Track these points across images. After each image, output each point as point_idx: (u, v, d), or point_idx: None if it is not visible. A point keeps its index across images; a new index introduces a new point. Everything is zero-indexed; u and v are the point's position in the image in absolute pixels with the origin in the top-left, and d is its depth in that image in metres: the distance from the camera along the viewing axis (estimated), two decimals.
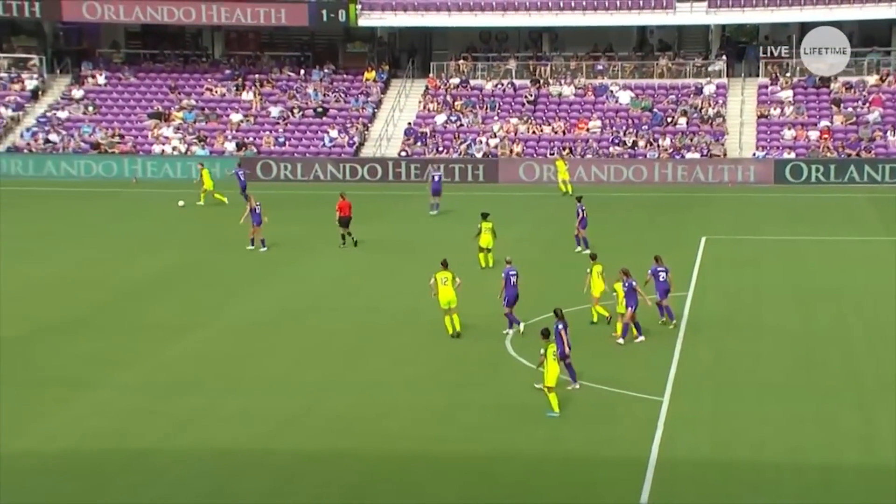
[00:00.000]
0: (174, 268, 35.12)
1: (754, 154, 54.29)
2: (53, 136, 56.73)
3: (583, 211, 36.52)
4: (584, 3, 58.33)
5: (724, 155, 54.32)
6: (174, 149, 56.30)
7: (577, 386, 23.04)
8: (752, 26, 60.59)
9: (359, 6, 58.24)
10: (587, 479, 18.88)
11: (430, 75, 60.27)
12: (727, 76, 58.84)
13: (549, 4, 58.51)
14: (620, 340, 26.29)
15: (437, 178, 44.69)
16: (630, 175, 53.05)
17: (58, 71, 61.30)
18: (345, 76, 61.00)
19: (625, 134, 55.82)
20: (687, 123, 56.27)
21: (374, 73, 60.47)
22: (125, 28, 63.03)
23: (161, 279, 33.67)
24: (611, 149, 55.20)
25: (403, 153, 55.67)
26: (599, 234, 37.58)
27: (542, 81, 59.51)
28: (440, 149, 55.78)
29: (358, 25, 58.91)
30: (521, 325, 26.85)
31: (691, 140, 55.13)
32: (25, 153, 55.95)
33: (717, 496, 18.28)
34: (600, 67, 59.82)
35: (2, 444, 20.17)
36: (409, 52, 62.90)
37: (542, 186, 51.94)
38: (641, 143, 55.27)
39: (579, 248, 36.08)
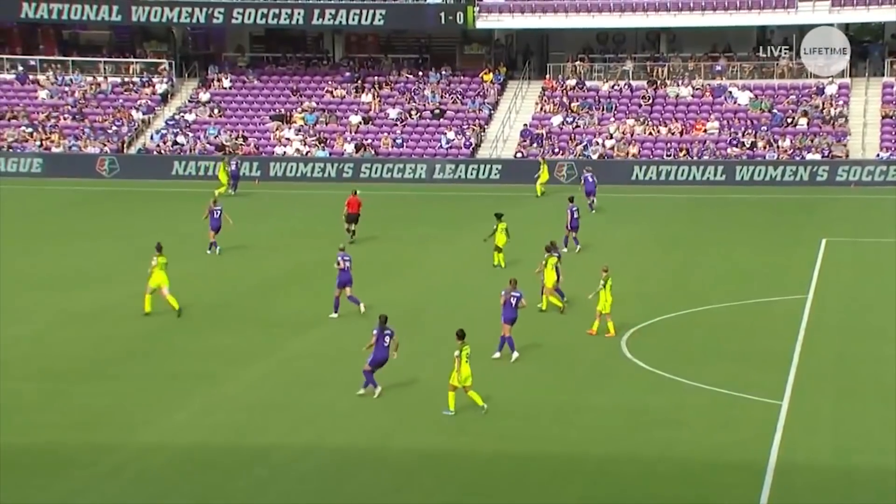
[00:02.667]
0: (304, 265, 35.61)
1: (878, 155, 53.09)
2: (181, 138, 58.44)
3: (574, 212, 36.31)
4: (702, 4, 57.75)
5: (847, 156, 53.25)
6: (296, 150, 57.52)
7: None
8: (876, 25, 59.12)
9: (476, 8, 58.65)
10: (704, 482, 18.72)
11: (547, 76, 60.31)
12: (850, 76, 57.59)
13: (668, 5, 58.08)
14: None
15: (590, 179, 44.49)
16: (748, 176, 52.33)
17: (185, 75, 63.00)
18: (462, 78, 61.39)
19: (743, 135, 55.13)
20: (808, 124, 55.30)
21: (490, 74, 60.75)
22: (250, 32, 64.57)
23: (290, 276, 34.30)
24: (729, 150, 54.58)
25: (519, 154, 55.91)
26: (715, 235, 37.24)
27: (659, 82, 59.09)
28: (556, 150, 55.83)
29: (475, 27, 59.25)
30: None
31: (812, 141, 54.16)
32: (155, 154, 57.84)
33: (839, 503, 18.02)
34: (718, 68, 59.15)
35: (132, 437, 20.88)
36: (526, 54, 63.00)
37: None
38: (760, 143, 54.52)
39: (565, 250, 34.57)
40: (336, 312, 28.85)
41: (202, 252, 37.72)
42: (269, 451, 20.04)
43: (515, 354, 24.97)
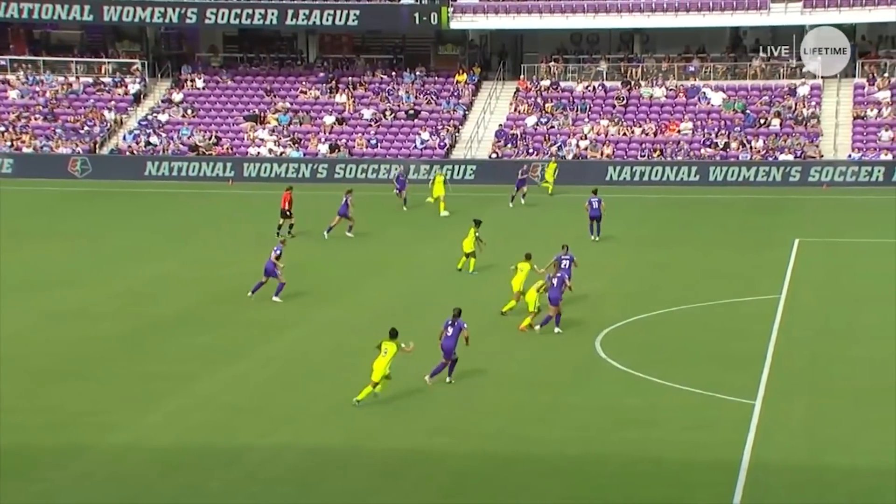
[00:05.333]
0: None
1: (850, 155, 53.41)
2: (154, 139, 58.06)
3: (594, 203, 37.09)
4: (676, 5, 57.95)
5: (819, 156, 53.56)
6: (270, 151, 57.27)
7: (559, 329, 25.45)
8: (848, 26, 59.43)
9: (450, 9, 58.61)
10: (679, 482, 18.77)
11: (521, 77, 60.32)
12: (822, 76, 57.89)
13: (641, 6, 58.25)
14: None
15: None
16: (721, 176, 52.52)
17: (158, 75, 62.56)
18: (436, 79, 61.31)
19: (717, 135, 55.36)
20: (780, 125, 55.58)
21: (465, 75, 60.70)
22: (223, 32, 64.20)
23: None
24: (702, 150, 54.78)
25: (494, 155, 55.91)
26: (688, 235, 37.33)
27: (633, 83, 59.25)
28: (530, 150, 55.89)
29: (449, 28, 59.18)
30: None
31: (785, 141, 54.45)
32: (127, 155, 57.46)
33: (812, 502, 18.04)
34: (692, 69, 59.36)
35: (106, 438, 20.74)
36: (500, 55, 62.99)
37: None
38: (734, 144, 54.76)
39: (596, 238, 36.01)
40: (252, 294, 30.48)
41: (178, 253, 37.60)
42: (245, 452, 19.99)
43: (557, 329, 26.86)
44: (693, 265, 34.94)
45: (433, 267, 35.56)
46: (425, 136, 57.33)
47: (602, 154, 55.27)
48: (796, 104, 56.46)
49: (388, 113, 58.96)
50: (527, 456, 19.81)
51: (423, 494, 18.39)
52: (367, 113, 59.07)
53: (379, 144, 57.38)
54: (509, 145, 56.20)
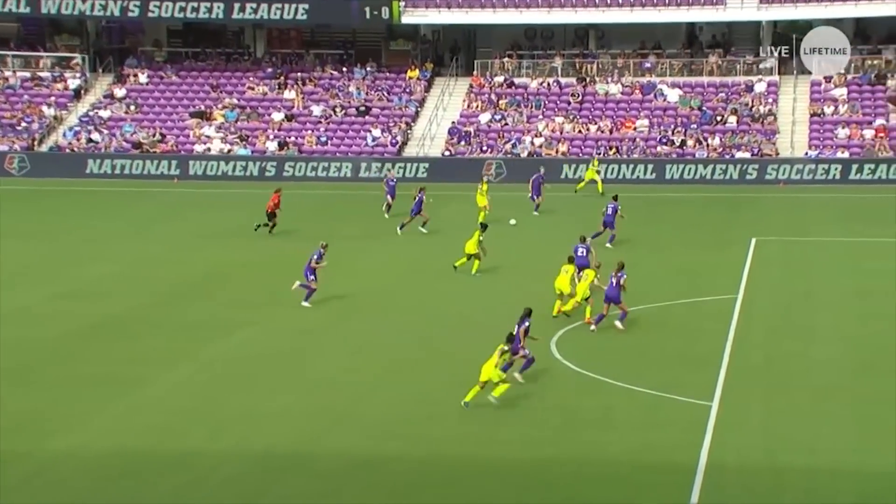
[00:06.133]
0: (222, 266, 34.96)
1: (806, 153, 52.97)
2: (95, 136, 56.69)
3: (609, 208, 36.32)
4: (631, 0, 57.34)
5: (776, 154, 53.06)
6: (216, 149, 56.03)
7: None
8: (804, 22, 59.13)
9: (402, 3, 57.69)
10: (634, 484, 18.50)
11: (475, 73, 59.54)
12: (779, 73, 57.53)
13: (596, 1, 57.59)
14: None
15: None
16: (678, 174, 52.02)
17: (100, 70, 61.15)
18: (388, 74, 60.44)
19: (673, 133, 54.73)
20: (737, 122, 55.05)
21: (417, 71, 59.87)
22: (167, 26, 62.85)
23: (209, 278, 33.61)
24: (658, 148, 54.11)
25: (447, 153, 54.99)
26: (645, 234, 36.87)
27: (588, 79, 58.54)
28: (484, 148, 55.04)
29: (401, 23, 58.36)
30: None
31: (742, 139, 53.91)
32: (68, 152, 55.92)
33: (769, 503, 17.81)
34: (648, 65, 58.75)
35: (45, 444, 20.09)
36: (453, 50, 62.25)
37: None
38: (690, 142, 54.13)
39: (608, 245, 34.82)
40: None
41: (121, 253, 37.01)
42: (190, 457, 19.59)
43: (620, 326, 26.78)
44: (649, 265, 34.36)
45: (384, 267, 34.97)
46: (377, 133, 56.39)
47: (557, 152, 54.49)
48: (753, 101, 55.97)
49: (338, 109, 58.00)
50: (479, 459, 19.54)
51: (374, 499, 18.06)
52: (317, 109, 58.09)
53: (329, 142, 56.47)
54: (462, 143, 55.41)
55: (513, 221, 40.88)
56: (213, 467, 19.11)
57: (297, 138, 56.51)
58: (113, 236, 40.33)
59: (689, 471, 18.55)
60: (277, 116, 57.83)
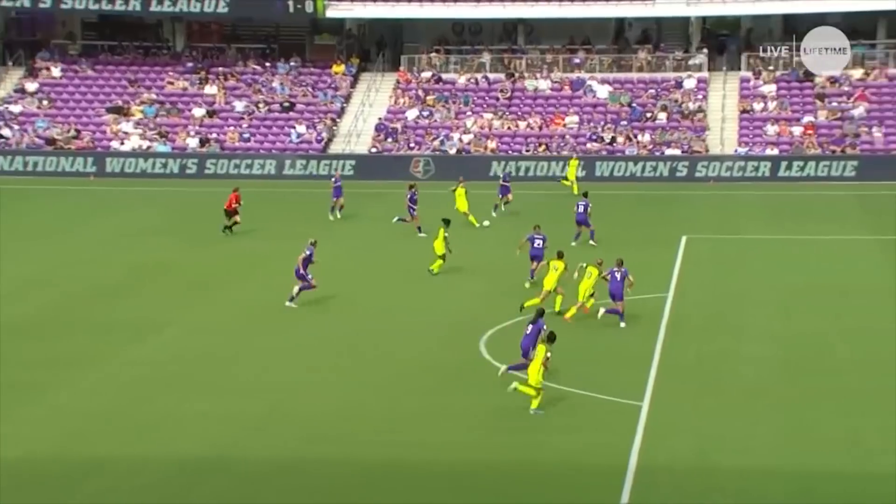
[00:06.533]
0: (141, 267, 34.17)
1: (736, 150, 52.69)
2: (6, 132, 54.95)
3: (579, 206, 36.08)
4: None
5: (706, 151, 52.72)
6: (134, 146, 54.45)
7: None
8: (733, 18, 59.05)
9: None
10: (564, 486, 18.26)
11: (401, 69, 58.58)
12: (708, 70, 57.33)
13: None
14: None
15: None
16: (608, 171, 51.49)
17: (10, 63, 59.25)
18: (312, 69, 59.27)
19: (603, 129, 54.14)
20: (667, 118, 54.63)
21: (342, 66, 58.77)
22: (81, 18, 61.10)
23: (127, 278, 32.81)
24: (588, 145, 53.49)
25: (374, 149, 53.88)
26: (574, 232, 36.38)
27: (517, 75, 57.80)
28: (411, 145, 54.02)
29: (325, 16, 57.35)
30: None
31: (671, 135, 53.48)
32: None
33: (700, 503, 17.70)
34: (577, 61, 58.14)
35: None
36: (379, 45, 61.31)
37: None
38: (620, 139, 53.57)
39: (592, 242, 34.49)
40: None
41: (34, 253, 36.11)
42: (106, 463, 19.14)
43: (622, 324, 26.87)
44: (579, 263, 33.59)
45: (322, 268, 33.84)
46: (301, 129, 55.20)
47: (486, 148, 53.63)
48: (682, 97, 55.60)
49: (261, 105, 56.76)
50: (406, 462, 19.24)
51: (295, 500, 17.77)
52: (240, 105, 56.83)
53: (252, 138, 55.24)
54: (390, 139, 54.37)
55: (486, 223, 40.32)
56: (131, 473, 18.66)
57: (218, 135, 55.19)
58: (25, 236, 39.17)
59: (619, 472, 18.38)
60: (198, 112, 56.43)
